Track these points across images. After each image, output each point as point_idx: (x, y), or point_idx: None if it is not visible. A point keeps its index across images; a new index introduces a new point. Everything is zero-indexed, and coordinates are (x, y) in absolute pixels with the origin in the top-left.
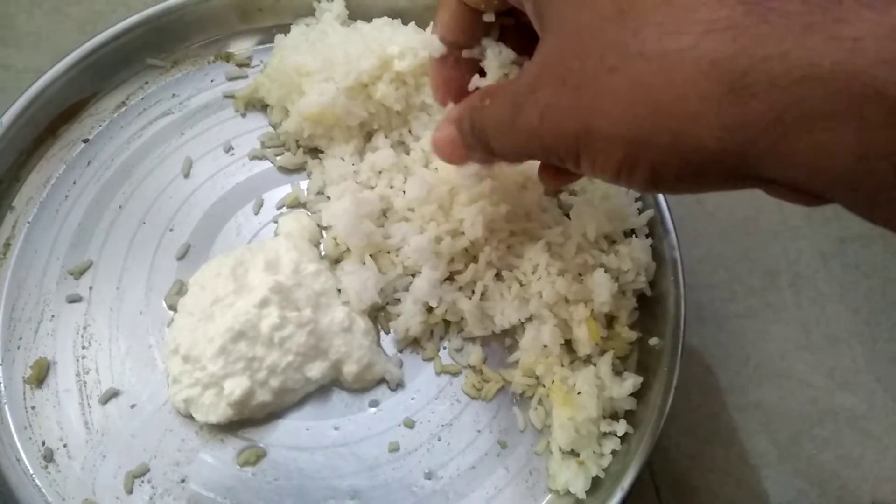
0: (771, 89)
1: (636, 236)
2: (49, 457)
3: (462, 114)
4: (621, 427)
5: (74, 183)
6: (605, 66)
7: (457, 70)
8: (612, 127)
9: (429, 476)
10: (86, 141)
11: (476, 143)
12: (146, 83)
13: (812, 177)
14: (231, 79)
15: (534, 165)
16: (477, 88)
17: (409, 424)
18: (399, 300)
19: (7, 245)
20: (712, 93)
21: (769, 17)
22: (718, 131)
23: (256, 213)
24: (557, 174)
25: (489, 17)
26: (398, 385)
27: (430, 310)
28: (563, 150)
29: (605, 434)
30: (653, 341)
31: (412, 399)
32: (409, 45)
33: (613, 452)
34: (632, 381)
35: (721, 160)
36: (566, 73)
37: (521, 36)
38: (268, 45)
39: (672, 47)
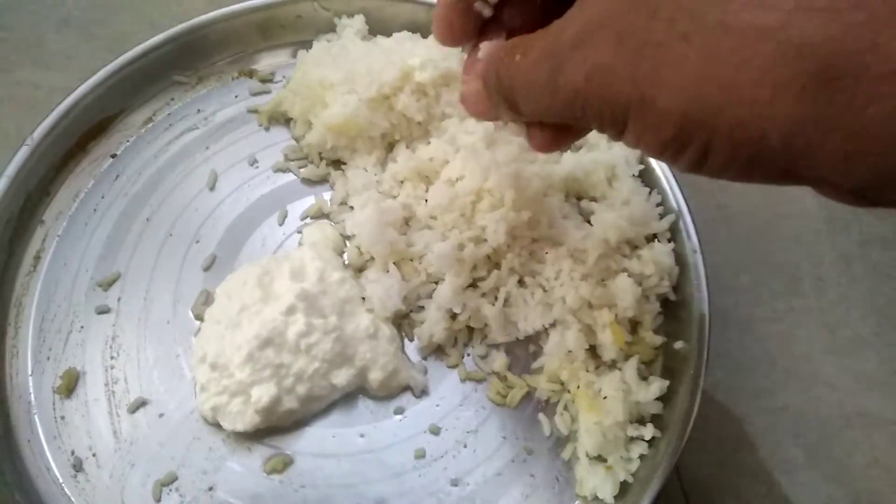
0: (857, 83)
1: (658, 241)
2: (78, 466)
3: (488, 68)
4: (648, 431)
5: (103, 197)
6: (675, 31)
7: (464, 17)
8: (672, 100)
9: (455, 483)
10: (114, 156)
11: (501, 102)
12: (172, 99)
13: (888, 182)
14: (254, 94)
15: (553, 173)
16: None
17: (435, 431)
18: (423, 307)
19: (37, 258)
20: (792, 82)
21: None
22: (788, 125)
23: (281, 224)
24: (556, 138)
25: None
26: (423, 392)
27: (453, 316)
28: (609, 117)
29: (632, 439)
30: (678, 345)
31: (437, 406)
32: (430, 57)
33: (641, 457)
34: (658, 385)
35: (780, 156)
36: (625, 31)
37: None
38: (290, 61)
39: (756, 22)
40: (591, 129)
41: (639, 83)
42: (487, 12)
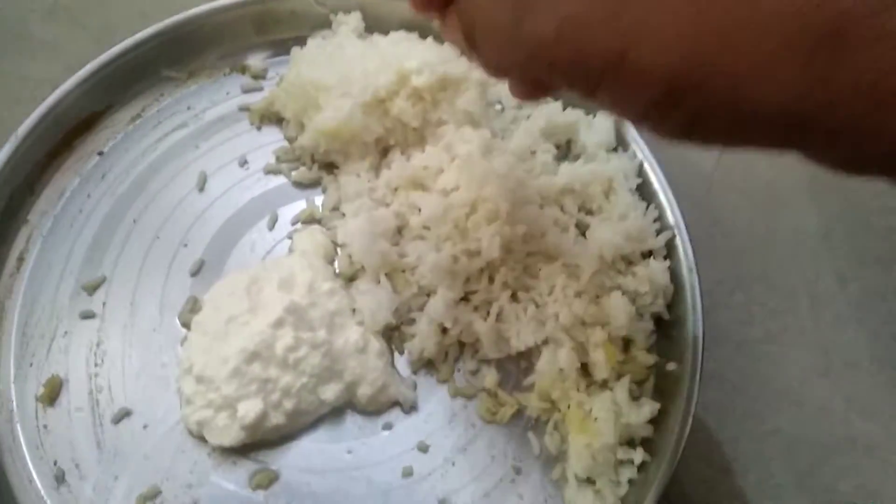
0: (874, 46)
1: (654, 258)
2: (61, 477)
3: None
4: (638, 455)
5: (89, 196)
6: None
7: None
8: (659, 55)
9: (443, 502)
10: (100, 153)
11: (461, 32)
12: (161, 95)
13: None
14: (246, 91)
15: (550, 185)
16: None
17: (423, 448)
18: (414, 320)
19: (21, 259)
20: (802, 39)
21: None
22: (794, 86)
23: (271, 229)
24: (536, 90)
25: None
26: (412, 408)
27: (444, 331)
28: (581, 75)
29: (622, 462)
30: (670, 366)
31: (426, 422)
32: (427, 61)
33: (630, 481)
34: (649, 408)
35: (783, 120)
36: None
37: None
38: (284, 58)
39: None
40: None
41: (620, 36)
42: None
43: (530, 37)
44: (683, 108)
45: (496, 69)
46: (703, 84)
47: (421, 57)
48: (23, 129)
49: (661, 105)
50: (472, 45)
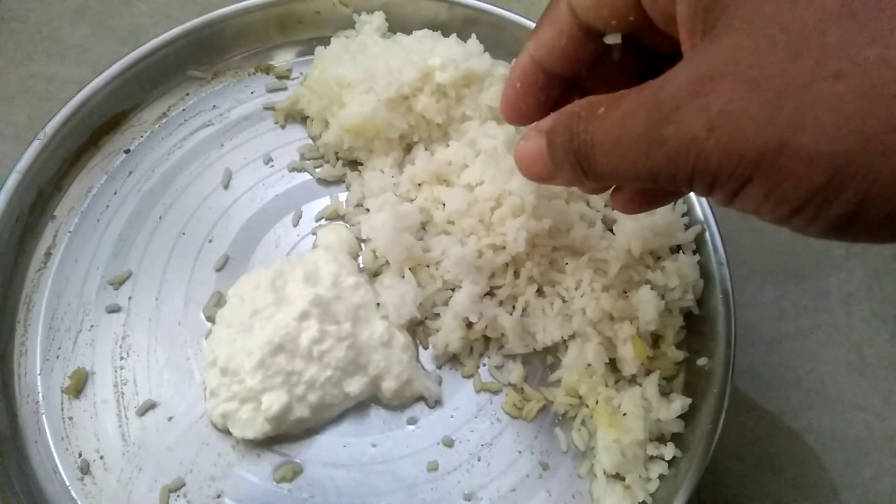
0: None
1: (683, 253)
2: (85, 468)
3: (557, 124)
4: (669, 451)
5: (115, 193)
6: (824, 70)
7: (539, 92)
8: (822, 142)
9: (468, 497)
10: (127, 151)
11: (569, 160)
12: (187, 94)
13: None
14: (271, 90)
15: None
16: None
17: (449, 443)
18: (438, 315)
19: (48, 254)
20: None
21: None
22: None
23: (295, 225)
24: (643, 200)
25: (614, 39)
26: (437, 402)
27: (469, 325)
28: (729, 171)
29: (651, 458)
30: (701, 361)
31: (451, 417)
32: (451, 57)
33: (661, 477)
34: (680, 403)
35: None
36: (758, 76)
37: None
38: (308, 57)
39: None
40: (681, 194)
41: (778, 127)
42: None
43: (674, 138)
44: (849, 193)
45: (612, 179)
46: (871, 168)
47: (444, 54)
48: (50, 127)
49: (821, 194)
50: (584, 161)
